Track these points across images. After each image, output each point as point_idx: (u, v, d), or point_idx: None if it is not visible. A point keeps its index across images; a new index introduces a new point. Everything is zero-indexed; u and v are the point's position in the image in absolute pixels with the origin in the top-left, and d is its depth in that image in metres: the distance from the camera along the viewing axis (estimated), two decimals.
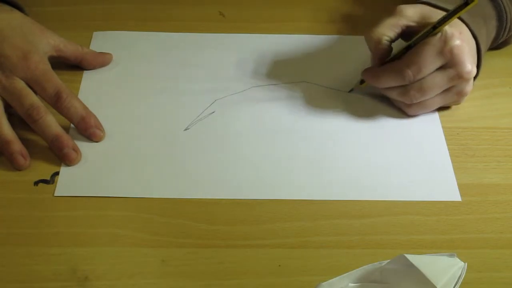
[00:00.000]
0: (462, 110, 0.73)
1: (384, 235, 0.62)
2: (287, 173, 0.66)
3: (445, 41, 0.66)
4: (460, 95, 0.70)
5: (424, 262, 0.49)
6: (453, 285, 0.48)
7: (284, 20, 0.84)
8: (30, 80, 0.67)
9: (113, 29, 0.81)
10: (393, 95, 0.71)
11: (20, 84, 0.67)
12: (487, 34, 0.72)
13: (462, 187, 0.65)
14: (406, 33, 0.69)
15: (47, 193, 0.64)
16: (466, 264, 0.50)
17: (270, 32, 0.82)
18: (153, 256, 0.59)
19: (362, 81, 0.73)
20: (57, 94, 0.67)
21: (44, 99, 0.68)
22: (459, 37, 0.67)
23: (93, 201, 0.63)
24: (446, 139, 0.70)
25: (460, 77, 0.67)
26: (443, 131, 0.71)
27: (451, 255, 0.51)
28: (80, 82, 0.75)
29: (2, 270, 0.58)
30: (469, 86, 0.70)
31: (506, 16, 0.73)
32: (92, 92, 0.74)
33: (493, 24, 0.73)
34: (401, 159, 0.68)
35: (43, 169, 0.66)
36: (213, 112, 0.72)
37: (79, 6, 0.84)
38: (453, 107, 0.73)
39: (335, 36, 0.82)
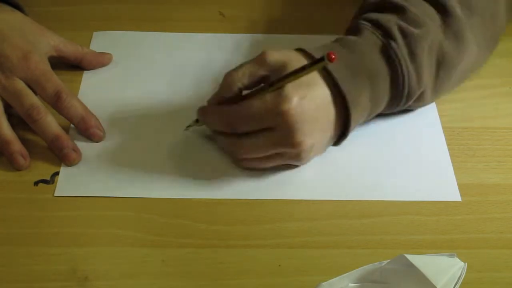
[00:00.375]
0: (462, 110, 0.73)
1: (384, 235, 0.62)
2: (287, 173, 0.66)
3: (278, 102, 0.59)
4: (297, 159, 0.63)
5: (424, 262, 0.49)
6: (453, 285, 0.48)
7: (284, 20, 0.83)
8: (30, 80, 0.67)
9: (113, 29, 0.81)
10: (223, 144, 0.66)
11: (20, 85, 0.67)
12: (374, 95, 0.64)
13: (462, 187, 0.66)
14: (264, 82, 0.62)
15: (47, 193, 0.64)
16: (466, 264, 0.50)
17: (270, 32, 0.82)
18: (153, 256, 0.59)
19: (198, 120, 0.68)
20: (57, 94, 0.67)
21: (44, 99, 0.68)
22: (298, 102, 0.59)
23: (93, 201, 0.63)
24: (446, 139, 0.70)
25: (287, 145, 0.61)
26: (443, 131, 0.71)
27: (451, 255, 0.51)
28: (80, 82, 0.75)
29: (2, 270, 0.58)
30: (305, 154, 0.62)
31: (403, 81, 0.64)
32: (92, 92, 0.74)
33: (384, 86, 0.64)
34: (401, 159, 0.68)
35: (43, 169, 0.66)
36: None
37: (79, 6, 0.84)
38: (453, 106, 0.73)
39: (336, 36, 0.81)
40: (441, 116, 0.72)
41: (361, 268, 0.51)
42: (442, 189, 0.66)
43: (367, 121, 0.68)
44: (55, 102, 0.67)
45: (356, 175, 0.67)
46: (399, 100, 0.66)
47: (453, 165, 0.67)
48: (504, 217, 0.63)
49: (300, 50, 0.64)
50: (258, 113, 0.60)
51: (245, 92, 0.64)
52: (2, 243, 0.60)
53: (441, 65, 0.67)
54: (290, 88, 0.60)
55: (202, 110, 0.66)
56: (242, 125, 0.62)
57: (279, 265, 0.59)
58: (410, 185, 0.66)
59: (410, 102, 0.68)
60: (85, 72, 0.76)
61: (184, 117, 0.71)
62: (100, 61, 0.76)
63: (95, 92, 0.74)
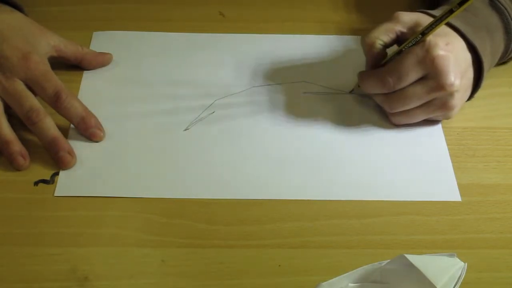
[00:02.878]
0: (462, 110, 0.73)
1: (384, 235, 0.62)
2: (287, 173, 0.66)
3: (427, 50, 0.65)
4: (445, 108, 0.68)
5: (424, 262, 0.49)
6: (453, 285, 0.48)
7: (284, 20, 0.83)
8: (29, 80, 0.67)
9: (113, 29, 0.81)
10: (378, 101, 0.70)
11: (20, 86, 0.67)
12: (493, 47, 0.70)
13: (462, 187, 0.66)
14: (402, 39, 0.68)
15: (47, 193, 0.64)
16: (466, 264, 0.50)
17: (270, 32, 0.82)
18: (153, 256, 0.59)
19: None
20: (57, 94, 0.67)
21: (43, 99, 0.68)
22: (444, 48, 0.65)
23: (93, 201, 0.63)
24: (446, 139, 0.70)
25: (441, 88, 0.65)
26: (443, 131, 0.71)
27: (451, 255, 0.51)
28: (80, 82, 0.75)
29: (2, 270, 0.58)
30: (454, 100, 0.67)
31: None
32: (92, 92, 0.74)
33: (500, 36, 0.71)
34: (401, 159, 0.68)
35: (43, 169, 0.66)
36: (213, 112, 0.72)
37: (79, 6, 0.84)
38: None
39: (336, 36, 0.81)
40: None
41: (361, 268, 0.51)
42: (442, 189, 0.66)
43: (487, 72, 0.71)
44: (55, 102, 0.67)
45: (356, 175, 0.67)
46: (510, 47, 0.72)
47: (453, 165, 0.67)
48: (504, 217, 0.63)
49: (422, 12, 0.69)
50: (411, 65, 0.65)
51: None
52: (2, 243, 0.60)
53: None
54: (433, 37, 0.65)
55: (361, 76, 0.70)
56: (398, 80, 0.66)
57: (279, 265, 0.59)
58: (410, 185, 0.66)
59: None
60: (85, 72, 0.76)
61: (185, 117, 0.71)
62: (100, 61, 0.76)
63: (95, 92, 0.74)
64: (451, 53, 0.65)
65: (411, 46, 0.66)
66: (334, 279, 0.50)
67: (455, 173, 0.67)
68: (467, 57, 0.68)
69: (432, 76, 0.65)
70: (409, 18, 0.68)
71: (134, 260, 0.59)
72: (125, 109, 0.72)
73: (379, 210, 0.64)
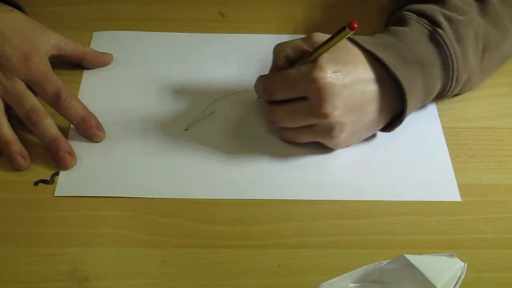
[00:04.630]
0: (462, 110, 0.73)
1: (384, 235, 0.62)
2: (287, 173, 0.66)
3: (309, 71, 0.61)
4: (327, 136, 0.64)
5: (424, 262, 0.49)
6: (453, 285, 0.48)
7: (284, 20, 0.83)
8: (30, 80, 0.67)
9: (113, 29, 0.81)
10: (265, 112, 0.68)
11: (21, 86, 0.67)
12: (427, 82, 0.66)
13: (462, 187, 0.66)
14: (307, 57, 0.64)
15: (47, 193, 0.64)
16: (466, 264, 0.50)
17: (270, 32, 0.82)
18: (153, 256, 0.59)
19: None
20: (57, 94, 0.67)
21: (44, 99, 0.68)
22: (329, 75, 0.61)
23: (93, 201, 0.63)
24: (446, 139, 0.70)
25: (316, 115, 0.62)
26: (443, 131, 0.71)
27: (451, 255, 0.51)
28: (80, 82, 0.75)
29: (2, 270, 0.58)
30: (335, 131, 0.63)
31: (453, 65, 0.66)
32: (92, 92, 0.74)
33: (436, 72, 0.66)
34: (401, 159, 0.68)
35: (43, 169, 0.66)
36: (213, 112, 0.72)
37: (79, 6, 0.84)
38: (453, 106, 0.73)
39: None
40: (441, 116, 0.72)
41: (361, 268, 0.51)
42: (442, 189, 0.66)
43: (418, 109, 0.69)
44: (55, 103, 0.67)
45: (356, 175, 0.67)
46: (449, 85, 0.68)
47: (453, 165, 0.67)
48: (504, 217, 0.63)
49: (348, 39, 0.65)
50: (292, 79, 0.63)
51: None
52: (2, 243, 0.60)
53: (487, 50, 0.69)
54: (325, 60, 0.62)
55: (257, 79, 0.68)
56: (277, 91, 0.65)
57: (279, 265, 0.59)
58: (410, 185, 0.66)
59: (458, 88, 0.70)
60: (85, 72, 0.76)
61: (184, 117, 0.71)
62: (101, 60, 0.76)
63: (95, 92, 0.74)
64: (336, 81, 0.61)
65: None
66: (334, 279, 0.50)
67: (455, 173, 0.67)
68: (367, 90, 0.63)
69: (311, 99, 0.62)
70: (321, 40, 0.63)
71: (134, 260, 0.59)
72: (125, 109, 0.72)
73: (379, 210, 0.64)
